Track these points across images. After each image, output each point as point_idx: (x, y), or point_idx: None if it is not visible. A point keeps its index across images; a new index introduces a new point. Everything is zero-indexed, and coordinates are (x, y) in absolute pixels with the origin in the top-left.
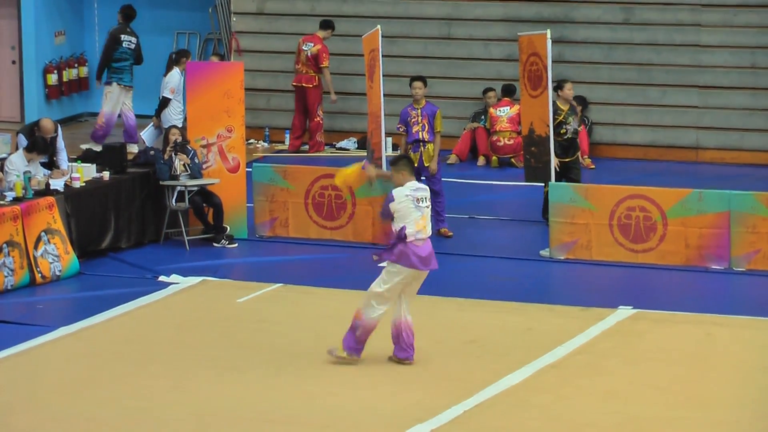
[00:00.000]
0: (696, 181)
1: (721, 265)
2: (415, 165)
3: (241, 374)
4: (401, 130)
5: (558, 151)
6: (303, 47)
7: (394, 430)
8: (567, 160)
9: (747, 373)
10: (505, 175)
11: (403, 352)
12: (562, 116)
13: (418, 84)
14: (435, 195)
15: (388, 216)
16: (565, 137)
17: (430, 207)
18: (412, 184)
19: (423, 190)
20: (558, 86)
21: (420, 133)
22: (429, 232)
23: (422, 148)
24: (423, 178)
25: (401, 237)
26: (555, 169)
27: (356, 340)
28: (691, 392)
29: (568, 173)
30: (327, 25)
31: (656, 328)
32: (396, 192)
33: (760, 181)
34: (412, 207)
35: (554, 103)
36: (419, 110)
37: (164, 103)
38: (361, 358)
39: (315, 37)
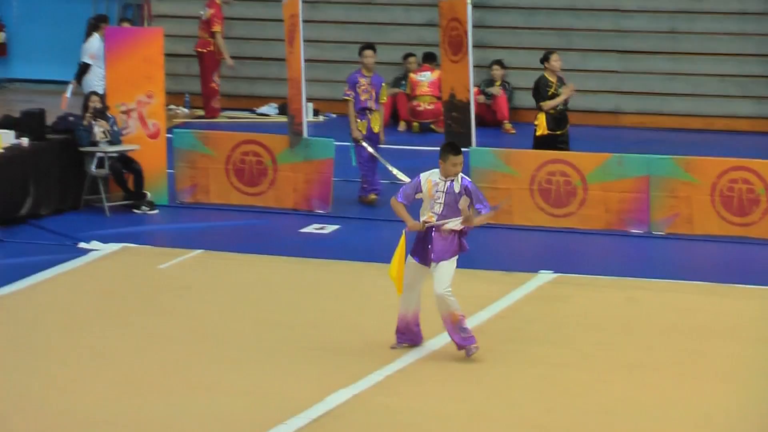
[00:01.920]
0: (616, 145)
1: (641, 229)
2: (363, 132)
3: (163, 341)
4: (350, 96)
5: (551, 125)
6: (201, 12)
7: (321, 390)
8: (558, 132)
9: (669, 336)
10: (426, 140)
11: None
12: (553, 89)
13: (369, 52)
14: (375, 160)
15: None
16: (557, 109)
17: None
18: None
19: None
20: (544, 58)
21: (368, 101)
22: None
23: (369, 115)
24: (364, 144)
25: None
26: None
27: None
28: (616, 356)
29: (557, 145)
30: None
31: (578, 293)
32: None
33: (679, 146)
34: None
35: (543, 76)
36: (369, 78)
37: (84, 68)
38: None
39: (211, 1)
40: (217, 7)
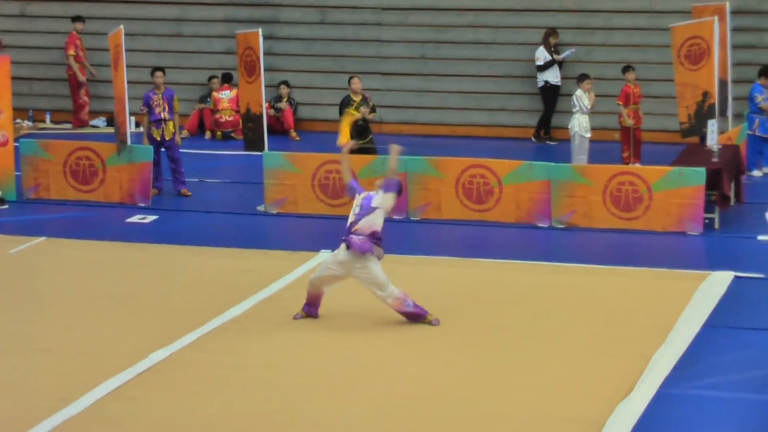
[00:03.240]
0: (380, 149)
1: (400, 216)
2: (158, 139)
3: (12, 313)
4: (144, 111)
5: (353, 135)
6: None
7: (142, 350)
8: (361, 141)
9: (419, 300)
10: (227, 146)
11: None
12: (354, 105)
13: (159, 73)
14: (175, 162)
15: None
16: (358, 123)
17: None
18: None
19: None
20: (349, 81)
21: (162, 113)
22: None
23: (164, 125)
24: (163, 149)
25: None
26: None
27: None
28: (379, 316)
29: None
30: (74, 19)
31: None
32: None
33: (430, 149)
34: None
35: (348, 95)
36: (160, 95)
37: None
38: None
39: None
40: (70, 34)
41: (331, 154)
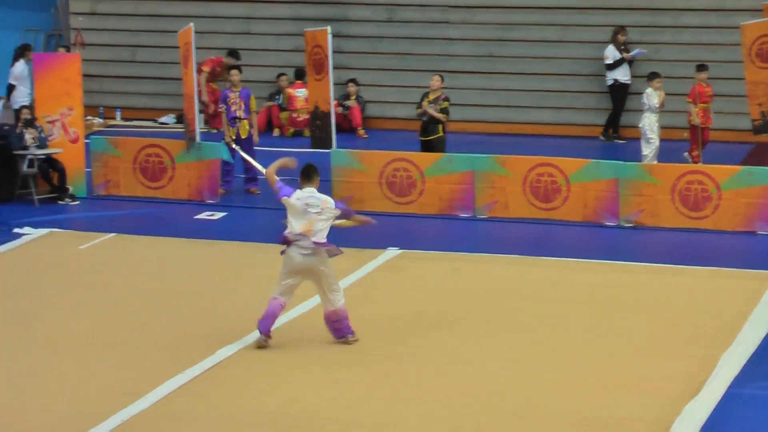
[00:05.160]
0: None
1: (467, 213)
2: (233, 137)
3: (80, 308)
4: (222, 109)
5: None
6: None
7: (211, 347)
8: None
9: (485, 297)
10: (295, 143)
11: (342, 332)
12: (423, 100)
13: (235, 72)
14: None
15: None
16: (423, 119)
17: (320, 212)
18: (307, 191)
19: (314, 199)
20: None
21: (237, 111)
22: (314, 235)
23: (238, 123)
24: (236, 147)
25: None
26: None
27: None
28: (444, 314)
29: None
30: (232, 54)
31: (416, 264)
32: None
33: (496, 147)
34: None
35: (428, 91)
36: (237, 93)
37: (10, 88)
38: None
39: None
40: (218, 57)
41: (399, 151)
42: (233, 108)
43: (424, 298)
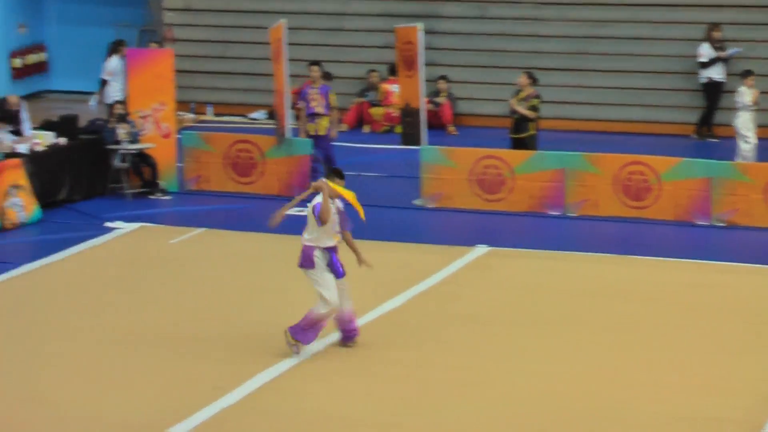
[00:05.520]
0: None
1: (557, 212)
2: (312, 134)
3: (170, 303)
4: (301, 105)
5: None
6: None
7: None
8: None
9: (576, 295)
10: (385, 139)
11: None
12: (514, 98)
13: (315, 68)
14: (325, 157)
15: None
16: (514, 117)
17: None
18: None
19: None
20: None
21: (316, 107)
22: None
23: (317, 120)
24: (318, 146)
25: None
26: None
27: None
28: (533, 314)
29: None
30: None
31: (506, 262)
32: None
33: (587, 145)
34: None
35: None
36: (316, 89)
37: (103, 83)
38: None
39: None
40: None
41: (489, 149)
42: (312, 104)
43: (512, 297)
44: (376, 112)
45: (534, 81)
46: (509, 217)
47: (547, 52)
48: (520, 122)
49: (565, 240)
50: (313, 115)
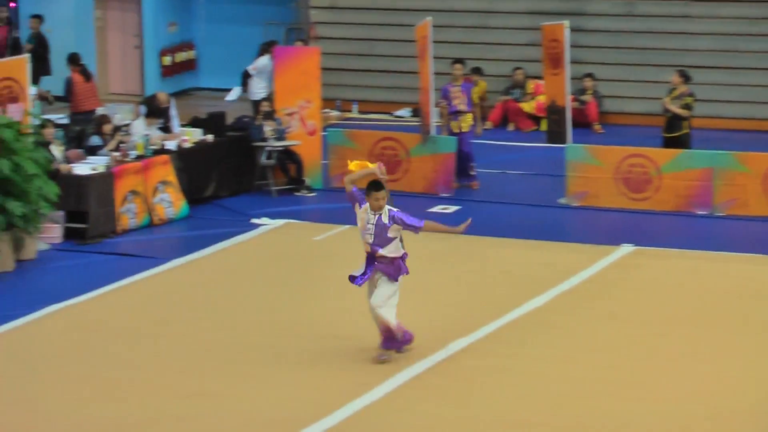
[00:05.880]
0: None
1: (705, 211)
2: (455, 131)
3: (312, 300)
4: (442, 103)
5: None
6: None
7: (438, 341)
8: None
9: (723, 297)
10: (529, 137)
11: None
12: (668, 96)
13: (457, 66)
14: (466, 155)
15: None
16: (668, 115)
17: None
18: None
19: None
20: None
21: (459, 105)
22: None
23: (460, 117)
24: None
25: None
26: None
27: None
28: (680, 314)
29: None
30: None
31: (652, 262)
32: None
33: (735, 143)
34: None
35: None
36: (458, 87)
37: (246, 75)
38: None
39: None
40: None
41: (635, 147)
42: (455, 102)
43: (657, 296)
44: (527, 106)
45: (687, 79)
46: (655, 216)
47: (697, 49)
48: (674, 121)
49: (712, 240)
50: (456, 113)
